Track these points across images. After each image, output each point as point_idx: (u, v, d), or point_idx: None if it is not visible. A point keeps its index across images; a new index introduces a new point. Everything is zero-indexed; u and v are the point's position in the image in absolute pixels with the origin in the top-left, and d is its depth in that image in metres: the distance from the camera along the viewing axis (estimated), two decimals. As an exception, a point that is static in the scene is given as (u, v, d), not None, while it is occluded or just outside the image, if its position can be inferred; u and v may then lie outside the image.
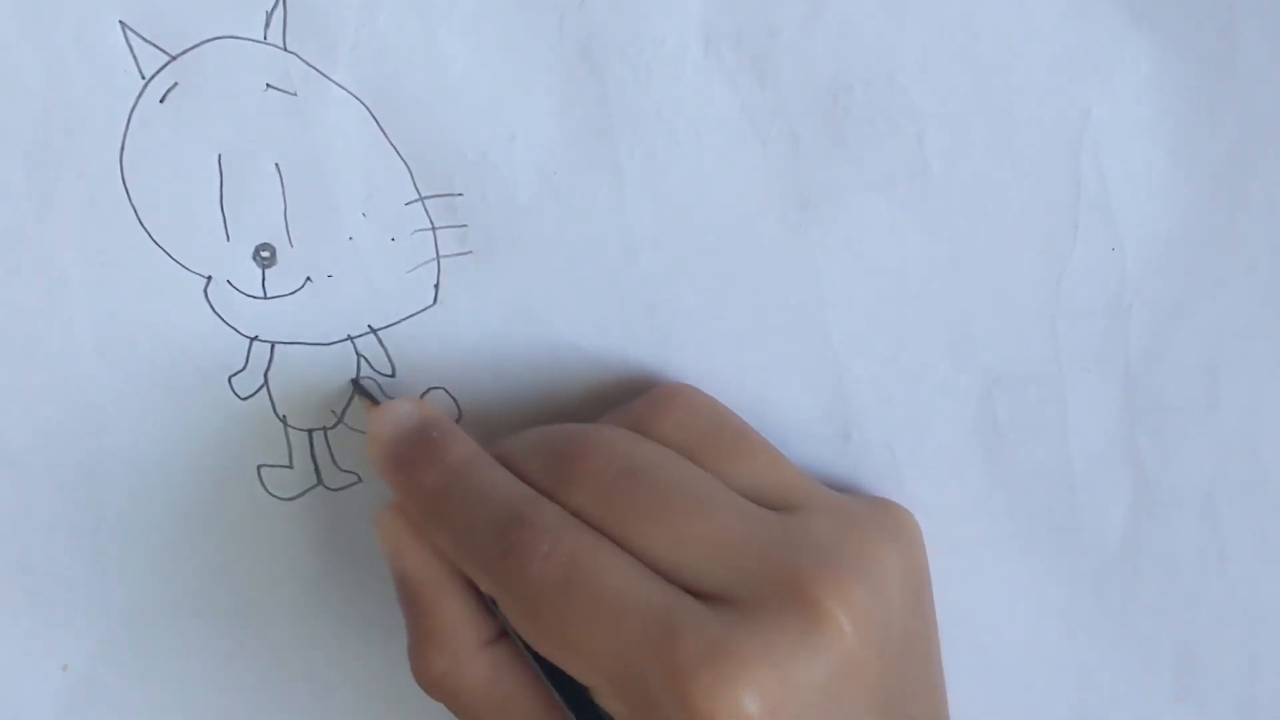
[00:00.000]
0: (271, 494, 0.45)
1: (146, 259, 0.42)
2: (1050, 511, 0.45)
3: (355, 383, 0.43)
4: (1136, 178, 0.42)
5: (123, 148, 0.41)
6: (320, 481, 0.45)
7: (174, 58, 0.40)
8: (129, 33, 0.40)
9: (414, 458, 0.40)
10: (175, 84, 0.40)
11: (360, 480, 0.45)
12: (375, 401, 0.42)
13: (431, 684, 0.39)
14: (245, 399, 0.44)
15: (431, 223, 0.42)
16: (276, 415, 0.44)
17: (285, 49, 0.40)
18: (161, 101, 0.40)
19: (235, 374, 0.43)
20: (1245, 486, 0.45)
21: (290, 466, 0.45)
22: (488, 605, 0.39)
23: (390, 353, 0.44)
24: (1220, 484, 0.45)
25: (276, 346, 0.43)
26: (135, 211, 0.41)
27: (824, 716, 0.36)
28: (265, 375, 0.44)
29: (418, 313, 0.43)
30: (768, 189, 0.42)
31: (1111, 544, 0.45)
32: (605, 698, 0.36)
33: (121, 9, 0.39)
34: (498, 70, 0.41)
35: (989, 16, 0.40)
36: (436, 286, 0.43)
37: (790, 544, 0.37)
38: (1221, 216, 0.42)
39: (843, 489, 0.44)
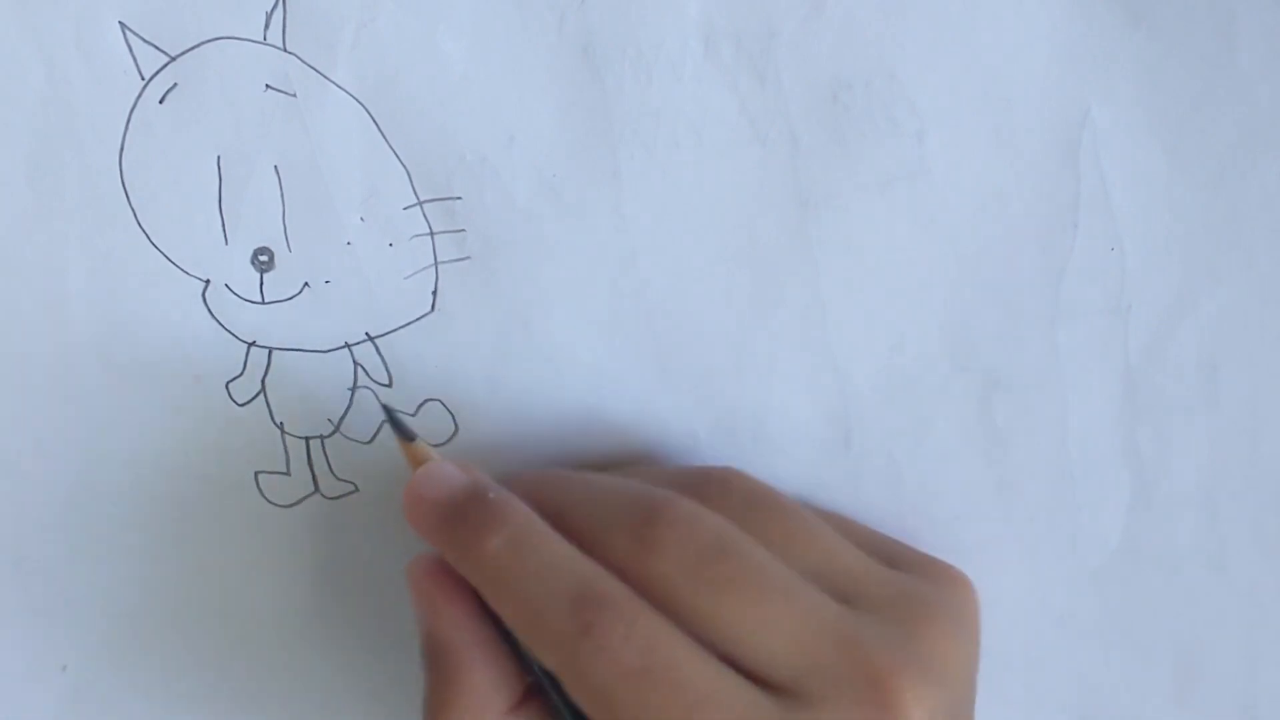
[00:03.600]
0: (269, 501, 0.45)
1: (145, 262, 0.42)
2: (1050, 512, 0.45)
3: (388, 411, 0.43)
4: (1136, 177, 0.42)
5: (122, 149, 0.41)
6: (317, 489, 0.45)
7: (173, 58, 0.40)
8: (129, 33, 0.40)
9: (472, 521, 0.38)
10: (175, 85, 0.40)
11: (357, 489, 0.45)
12: (409, 437, 0.41)
13: None
14: (243, 405, 0.44)
15: (430, 227, 0.42)
16: (274, 422, 0.44)
17: (285, 50, 0.40)
18: (161, 102, 0.40)
19: (233, 379, 0.43)
20: (1244, 486, 0.45)
21: (288, 474, 0.45)
22: (514, 668, 0.39)
23: (387, 361, 0.43)
24: (1219, 483, 0.45)
25: (274, 352, 0.43)
26: (134, 213, 0.41)
27: None
28: (262, 381, 0.43)
29: (415, 320, 0.43)
30: (767, 189, 0.42)
31: (1111, 544, 0.45)
32: None
33: (121, 9, 0.39)
34: (497, 72, 0.41)
35: (989, 16, 0.40)
36: (434, 293, 0.43)
37: (865, 640, 0.37)
38: (1221, 216, 0.42)
39: (844, 491, 0.44)
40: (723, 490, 0.40)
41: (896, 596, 0.39)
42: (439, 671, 0.39)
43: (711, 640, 0.36)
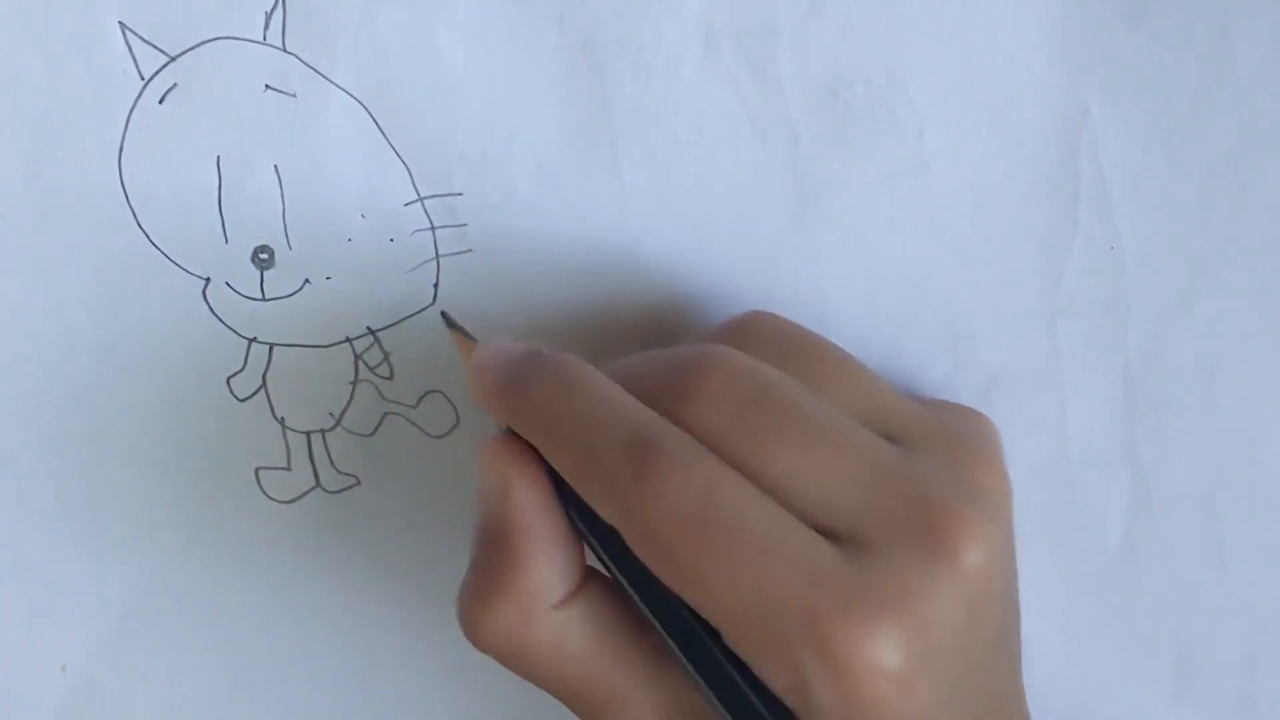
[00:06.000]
0: (269, 497, 0.45)
1: (145, 260, 0.42)
2: (1049, 511, 0.45)
3: (445, 315, 0.42)
4: (1136, 177, 0.42)
5: (121, 149, 0.41)
6: (318, 484, 0.45)
7: (173, 58, 0.40)
8: (128, 33, 0.40)
9: (525, 375, 0.37)
10: (174, 85, 0.40)
11: (358, 483, 0.45)
12: (468, 335, 0.41)
13: (491, 635, 0.37)
14: (244, 400, 0.44)
15: (431, 222, 0.42)
16: (275, 417, 0.44)
17: (284, 50, 0.40)
18: (160, 102, 0.40)
19: (234, 375, 0.43)
20: (1244, 486, 0.45)
21: (288, 469, 0.45)
22: (574, 559, 0.38)
23: (389, 354, 0.43)
24: (1219, 483, 0.45)
25: (275, 348, 0.43)
26: (134, 213, 0.41)
27: (956, 656, 0.35)
28: (264, 377, 0.44)
29: (417, 313, 0.43)
30: (768, 186, 0.42)
31: (1110, 543, 0.45)
32: (734, 639, 0.35)
33: (121, 9, 0.39)
34: (497, 70, 0.41)
35: (989, 14, 0.40)
36: (435, 286, 0.43)
37: (920, 479, 0.36)
38: (1221, 216, 0.42)
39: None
40: (756, 334, 0.40)
41: (938, 432, 0.38)
42: (496, 555, 0.37)
43: (767, 489, 0.35)
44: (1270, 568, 0.45)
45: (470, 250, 0.42)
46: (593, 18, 0.40)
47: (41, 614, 0.46)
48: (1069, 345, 0.43)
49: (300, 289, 0.42)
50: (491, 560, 0.38)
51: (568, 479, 0.37)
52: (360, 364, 0.44)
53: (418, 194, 0.42)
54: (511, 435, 0.38)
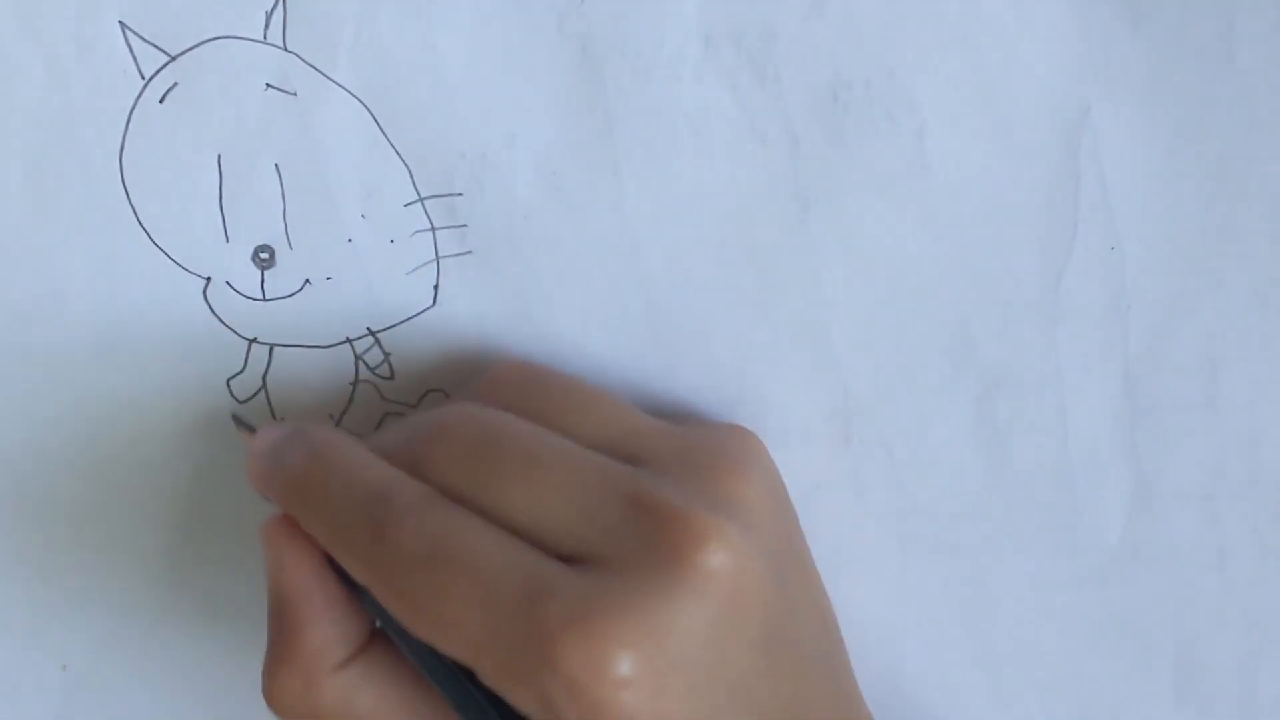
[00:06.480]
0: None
1: (146, 260, 0.42)
2: (1050, 511, 0.45)
3: (234, 417, 0.43)
4: (1136, 177, 0.42)
5: (122, 148, 0.41)
6: (319, 484, 0.45)
7: (174, 58, 0.40)
8: (129, 33, 0.40)
9: (283, 452, 0.39)
10: (175, 84, 0.40)
11: (358, 483, 0.45)
12: (251, 429, 0.42)
13: (283, 702, 0.38)
14: (244, 401, 0.44)
15: (431, 223, 0.42)
16: (275, 418, 0.44)
17: (285, 49, 0.40)
18: (161, 102, 0.40)
19: (234, 376, 0.43)
20: (1244, 486, 0.45)
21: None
22: (355, 621, 0.39)
23: (389, 355, 0.43)
24: (1219, 483, 0.45)
25: (275, 349, 0.43)
26: (135, 212, 0.41)
27: (710, 661, 0.35)
28: (264, 378, 0.44)
29: (417, 314, 0.43)
30: (767, 188, 0.42)
31: (1111, 543, 0.45)
32: (485, 674, 0.35)
33: (121, 9, 0.39)
34: (497, 70, 0.41)
35: (989, 15, 0.40)
36: (436, 288, 0.43)
37: (652, 493, 0.36)
38: (1221, 216, 0.42)
39: (844, 490, 0.44)
40: (495, 384, 0.41)
41: (682, 450, 0.39)
42: (277, 627, 0.39)
43: (502, 525, 0.36)
44: (1270, 568, 0.45)
45: (470, 252, 0.42)
46: (593, 19, 0.40)
47: (41, 614, 0.46)
48: (1069, 346, 0.43)
49: (300, 289, 0.42)
50: (274, 633, 0.39)
51: (324, 546, 0.38)
52: (361, 365, 0.44)
53: (418, 194, 0.42)
54: (287, 517, 0.39)
